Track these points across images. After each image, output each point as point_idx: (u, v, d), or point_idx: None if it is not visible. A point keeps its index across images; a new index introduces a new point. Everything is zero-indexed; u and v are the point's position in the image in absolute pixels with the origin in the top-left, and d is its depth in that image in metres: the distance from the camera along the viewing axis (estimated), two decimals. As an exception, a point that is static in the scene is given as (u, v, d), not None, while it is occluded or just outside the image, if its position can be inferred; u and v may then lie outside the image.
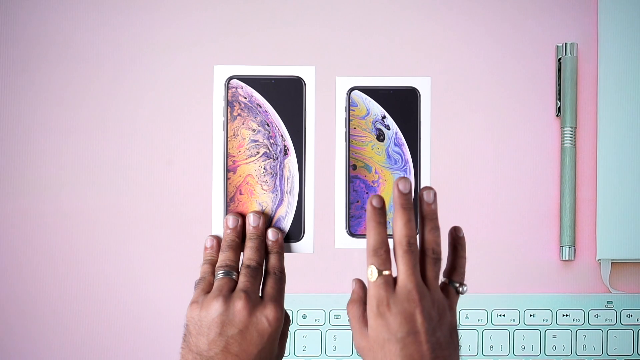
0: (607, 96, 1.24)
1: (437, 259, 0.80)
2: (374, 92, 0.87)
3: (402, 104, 0.87)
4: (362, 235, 0.87)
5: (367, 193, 0.87)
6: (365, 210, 0.87)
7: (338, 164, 0.87)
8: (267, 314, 0.81)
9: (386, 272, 0.78)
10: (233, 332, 0.80)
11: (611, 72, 1.25)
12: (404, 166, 0.87)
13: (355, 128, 0.87)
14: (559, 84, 1.26)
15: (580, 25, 1.26)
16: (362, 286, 0.82)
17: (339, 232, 0.87)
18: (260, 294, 0.83)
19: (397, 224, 0.79)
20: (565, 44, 1.26)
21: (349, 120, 0.87)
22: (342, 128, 0.87)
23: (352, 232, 0.87)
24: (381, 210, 0.80)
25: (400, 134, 0.87)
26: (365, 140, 0.87)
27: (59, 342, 1.24)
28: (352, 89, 0.87)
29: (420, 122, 0.87)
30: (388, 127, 0.87)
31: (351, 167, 0.87)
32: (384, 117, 0.87)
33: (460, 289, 0.81)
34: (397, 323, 0.77)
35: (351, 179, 0.87)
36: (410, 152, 0.87)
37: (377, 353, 0.77)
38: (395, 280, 0.78)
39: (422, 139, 0.87)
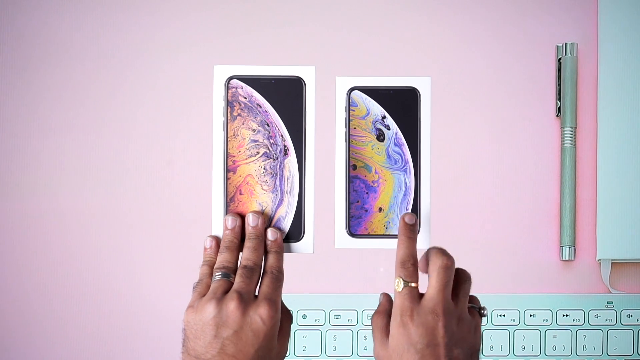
0: (607, 96, 1.24)
1: (468, 279, 0.82)
2: (374, 92, 0.87)
3: (402, 104, 0.87)
4: (362, 236, 0.87)
5: (367, 193, 0.87)
6: (365, 211, 0.87)
7: (338, 164, 0.87)
8: (260, 312, 0.81)
9: (413, 284, 0.80)
10: (228, 334, 0.80)
11: (611, 72, 1.25)
12: (404, 166, 0.87)
13: (355, 128, 0.87)
14: (559, 84, 1.26)
15: (580, 25, 1.26)
16: (388, 299, 0.83)
17: (339, 232, 0.87)
18: (257, 294, 0.83)
19: (435, 251, 0.82)
20: (565, 44, 1.25)
21: (349, 120, 0.87)
22: (342, 128, 0.87)
23: (352, 232, 0.87)
24: (413, 227, 0.83)
25: (400, 134, 0.87)
26: (365, 140, 0.87)
27: (59, 342, 1.24)
28: (352, 89, 0.87)
29: (420, 122, 0.87)
30: (388, 127, 0.87)
31: (351, 167, 0.87)
32: (384, 117, 0.87)
33: (483, 312, 0.83)
34: (418, 334, 0.78)
35: (351, 179, 0.87)
36: (410, 152, 0.87)
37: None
38: (421, 294, 0.80)
39: (422, 139, 0.87)
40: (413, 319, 0.79)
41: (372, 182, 0.87)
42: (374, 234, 0.87)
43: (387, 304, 0.83)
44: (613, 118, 1.24)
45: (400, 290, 0.80)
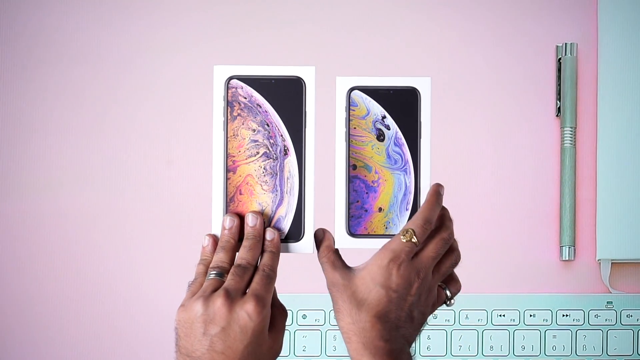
0: (607, 96, 1.25)
1: (455, 263, 0.87)
2: (374, 92, 0.87)
3: (402, 104, 0.87)
4: (362, 236, 0.87)
5: (366, 193, 0.87)
6: (365, 211, 0.87)
7: (338, 164, 0.87)
8: (247, 308, 0.81)
9: (417, 244, 0.83)
10: (216, 331, 0.81)
11: (611, 72, 1.25)
12: (404, 166, 0.87)
13: (355, 128, 0.87)
14: (559, 84, 1.26)
15: (580, 25, 1.26)
16: (330, 236, 0.86)
17: (338, 232, 0.87)
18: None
19: (448, 217, 0.86)
20: (565, 44, 1.26)
21: (349, 120, 0.87)
22: (342, 128, 0.87)
23: (352, 232, 0.87)
24: (442, 196, 0.86)
25: (400, 134, 0.87)
26: (366, 140, 0.87)
27: (59, 342, 1.24)
28: (352, 89, 0.87)
29: (420, 122, 0.87)
30: (388, 127, 0.87)
31: (351, 167, 0.87)
32: (384, 117, 0.87)
33: (449, 302, 0.88)
34: (395, 282, 0.83)
35: (351, 179, 0.87)
36: (410, 152, 0.87)
37: (359, 290, 0.83)
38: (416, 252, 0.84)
39: (422, 139, 0.87)
40: (399, 269, 0.83)
41: (372, 182, 0.87)
42: (374, 233, 0.87)
43: (330, 237, 0.86)
44: (613, 118, 1.24)
45: (404, 240, 0.83)
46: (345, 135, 0.87)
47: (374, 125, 0.87)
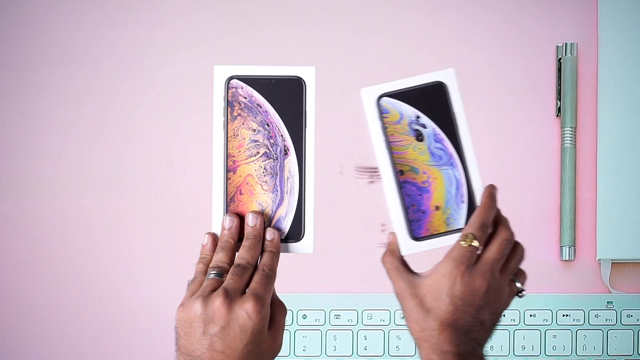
0: (607, 96, 1.24)
1: (521, 257, 0.89)
2: (402, 95, 0.87)
3: (432, 100, 0.87)
4: (426, 237, 0.87)
5: (420, 195, 0.87)
6: (422, 212, 0.87)
7: (384, 173, 0.86)
8: (246, 307, 0.81)
9: (478, 247, 0.84)
10: (215, 330, 0.81)
11: (611, 72, 1.25)
12: (449, 160, 0.87)
13: (392, 134, 0.86)
14: (559, 84, 1.26)
15: (580, 25, 1.26)
16: (395, 240, 0.87)
17: (402, 239, 0.86)
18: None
19: (502, 217, 0.87)
20: (565, 44, 1.26)
21: (384, 127, 0.86)
22: (380, 136, 0.86)
23: (415, 235, 0.87)
24: (496, 196, 0.86)
25: (438, 130, 0.87)
26: (406, 144, 0.87)
27: (59, 342, 1.24)
28: (380, 97, 0.87)
29: (454, 114, 0.87)
30: (424, 126, 0.87)
31: (398, 172, 0.87)
32: (418, 117, 0.87)
33: (521, 294, 0.89)
34: (460, 290, 0.83)
35: (402, 185, 0.87)
36: (452, 144, 0.87)
37: (427, 299, 0.84)
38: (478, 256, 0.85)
39: (459, 130, 0.87)
40: (463, 276, 0.83)
41: (423, 182, 0.87)
42: (437, 232, 0.87)
43: (395, 242, 0.86)
44: (613, 118, 1.24)
45: (465, 245, 0.84)
46: (385, 143, 0.87)
47: (410, 127, 0.87)
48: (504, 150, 1.26)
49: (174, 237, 1.24)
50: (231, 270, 0.83)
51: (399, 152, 0.87)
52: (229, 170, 0.86)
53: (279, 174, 0.86)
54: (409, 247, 0.86)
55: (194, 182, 1.24)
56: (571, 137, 1.25)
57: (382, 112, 0.87)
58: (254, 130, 0.86)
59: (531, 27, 1.27)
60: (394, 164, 0.87)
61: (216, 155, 0.86)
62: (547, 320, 1.24)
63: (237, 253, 0.85)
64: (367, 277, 1.24)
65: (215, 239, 0.86)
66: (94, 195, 1.25)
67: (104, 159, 1.25)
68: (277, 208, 0.86)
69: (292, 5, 1.26)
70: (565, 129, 1.25)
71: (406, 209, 0.87)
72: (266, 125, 0.86)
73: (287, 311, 0.90)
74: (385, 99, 0.87)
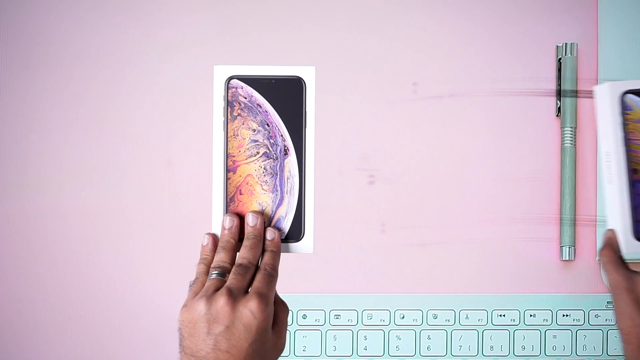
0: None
1: None
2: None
3: None
4: None
5: None
6: None
7: (614, 169, 0.84)
8: (250, 306, 0.81)
9: None
10: (220, 330, 0.81)
11: (611, 72, 1.25)
12: None
13: (632, 132, 0.84)
14: (559, 84, 1.26)
15: (580, 25, 1.26)
16: (613, 235, 0.87)
17: (624, 238, 0.85)
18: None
19: None
20: (565, 44, 1.26)
21: (624, 124, 0.84)
22: (618, 133, 0.84)
23: (638, 236, 0.86)
24: None
25: None
26: None
27: (59, 342, 1.24)
28: (625, 92, 0.85)
29: None
30: None
31: (631, 171, 0.85)
32: None
33: None
34: None
35: (634, 184, 0.85)
36: None
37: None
38: None
39: None
40: None
41: None
42: None
43: (614, 237, 0.86)
44: (613, 118, 1.24)
45: None
46: (623, 139, 0.85)
47: None
48: (504, 150, 1.26)
49: (173, 237, 1.24)
50: (233, 269, 0.83)
51: (636, 151, 0.85)
52: (229, 170, 0.86)
53: (279, 174, 0.86)
54: (631, 247, 0.85)
55: (194, 182, 1.24)
56: (571, 137, 1.25)
57: (624, 108, 0.84)
58: (254, 130, 0.86)
59: (531, 27, 1.27)
60: (629, 161, 0.85)
61: (216, 155, 0.86)
62: (547, 320, 1.24)
63: (238, 253, 0.85)
64: (367, 277, 1.24)
65: (215, 239, 0.86)
66: (94, 195, 1.25)
67: (104, 159, 1.25)
68: (277, 208, 0.86)
69: (292, 5, 1.26)
70: (565, 129, 1.25)
71: (634, 208, 0.85)
72: (266, 125, 0.86)
73: (289, 310, 0.90)
74: (630, 95, 0.85)
